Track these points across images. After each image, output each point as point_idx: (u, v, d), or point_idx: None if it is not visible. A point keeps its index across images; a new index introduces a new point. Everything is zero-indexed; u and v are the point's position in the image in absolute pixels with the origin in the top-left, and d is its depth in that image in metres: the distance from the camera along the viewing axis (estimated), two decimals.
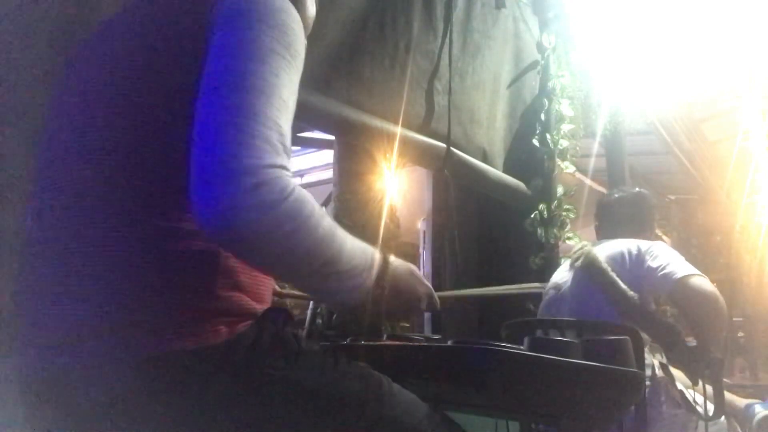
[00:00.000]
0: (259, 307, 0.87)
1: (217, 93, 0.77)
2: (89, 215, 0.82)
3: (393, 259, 0.93)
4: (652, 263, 1.98)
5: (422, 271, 3.31)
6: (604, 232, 2.35)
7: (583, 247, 2.25)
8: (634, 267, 2.02)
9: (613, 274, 2.01)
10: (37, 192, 0.91)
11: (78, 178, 0.85)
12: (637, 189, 2.47)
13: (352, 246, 0.84)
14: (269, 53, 0.80)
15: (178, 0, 0.90)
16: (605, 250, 2.13)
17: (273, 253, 0.76)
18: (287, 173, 0.76)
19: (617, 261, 2.06)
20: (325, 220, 0.80)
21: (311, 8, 1.09)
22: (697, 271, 1.92)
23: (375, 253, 0.89)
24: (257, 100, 0.76)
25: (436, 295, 1.05)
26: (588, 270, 2.09)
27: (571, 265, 2.23)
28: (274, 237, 0.75)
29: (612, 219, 2.35)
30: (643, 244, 2.07)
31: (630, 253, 2.06)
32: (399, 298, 0.94)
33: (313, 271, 0.80)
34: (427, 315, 3.33)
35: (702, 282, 1.90)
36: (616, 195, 2.42)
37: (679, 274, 1.91)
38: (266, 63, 0.79)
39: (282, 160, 0.76)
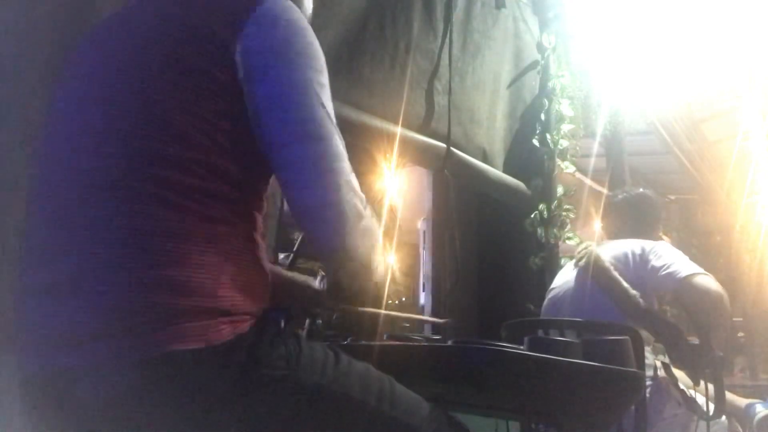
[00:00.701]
0: (260, 308, 0.87)
1: (298, 141, 0.88)
2: (90, 217, 0.82)
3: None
4: (656, 263, 1.99)
5: (422, 271, 3.30)
6: (610, 233, 2.36)
7: (586, 247, 2.26)
8: (639, 267, 2.02)
9: (616, 274, 2.01)
10: (38, 192, 0.91)
11: (78, 179, 0.85)
12: (641, 189, 2.47)
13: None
14: (321, 90, 0.91)
15: (203, 10, 0.91)
16: (609, 251, 2.13)
17: (365, 261, 0.94)
18: (363, 195, 0.92)
19: (621, 261, 2.06)
20: (375, 221, 0.96)
21: (308, 7, 1.11)
22: (701, 270, 1.93)
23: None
24: (331, 144, 0.89)
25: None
26: (591, 270, 2.10)
27: (575, 266, 2.23)
28: (367, 249, 0.93)
29: (617, 219, 2.35)
30: (647, 244, 2.07)
31: (634, 253, 2.06)
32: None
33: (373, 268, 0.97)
34: (427, 314, 3.33)
35: (707, 281, 1.90)
36: (621, 195, 2.42)
37: (683, 273, 1.92)
38: (323, 104, 0.90)
39: (358, 186, 0.91)
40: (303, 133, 0.88)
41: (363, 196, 0.92)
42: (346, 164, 0.90)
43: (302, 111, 0.88)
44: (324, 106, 0.90)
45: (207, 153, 0.83)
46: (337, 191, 0.88)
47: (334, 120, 0.92)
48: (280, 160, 0.88)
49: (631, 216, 2.31)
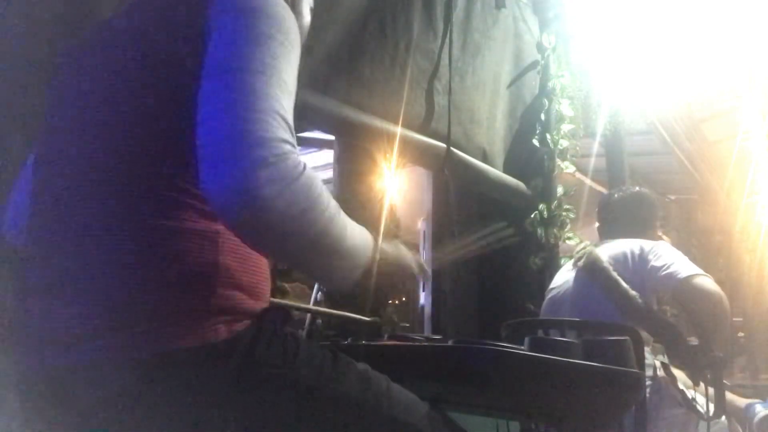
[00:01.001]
0: (258, 307, 0.87)
1: (217, 77, 0.77)
2: (88, 215, 0.82)
3: (384, 243, 0.95)
4: (656, 263, 1.99)
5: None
6: (606, 233, 2.35)
7: (585, 247, 2.26)
8: (638, 267, 2.02)
9: (615, 274, 2.01)
10: (36, 191, 0.91)
11: (76, 178, 0.85)
12: (638, 188, 2.47)
13: (352, 225, 0.85)
14: (266, 38, 0.80)
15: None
16: (608, 250, 2.13)
17: (287, 232, 0.76)
18: (296, 150, 0.75)
19: (620, 261, 2.06)
20: (331, 199, 0.80)
21: (306, 17, 1.09)
22: (700, 271, 1.93)
23: (368, 233, 0.91)
24: (257, 79, 0.76)
25: (423, 262, 1.08)
26: (590, 270, 2.10)
27: (574, 265, 2.23)
28: (290, 214, 0.74)
29: (613, 219, 2.35)
30: (647, 244, 2.07)
31: (633, 253, 2.06)
32: (392, 268, 0.97)
33: (323, 249, 0.80)
34: (427, 315, 3.33)
35: (706, 281, 1.90)
36: (617, 195, 2.42)
37: (683, 274, 1.91)
38: (263, 45, 0.79)
39: (289, 136, 0.75)
40: (224, 66, 0.78)
41: (295, 147, 0.76)
42: (269, 104, 0.75)
43: (232, 47, 0.79)
44: (266, 52, 0.79)
45: None
46: (243, 123, 0.72)
47: (288, 80, 0.80)
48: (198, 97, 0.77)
49: (627, 215, 2.31)
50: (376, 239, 0.92)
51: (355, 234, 0.85)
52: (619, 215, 2.34)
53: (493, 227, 1.28)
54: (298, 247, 0.80)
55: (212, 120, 0.74)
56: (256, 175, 0.70)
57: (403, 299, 4.03)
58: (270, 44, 0.80)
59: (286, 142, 0.74)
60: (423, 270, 1.07)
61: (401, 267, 1.02)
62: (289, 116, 0.77)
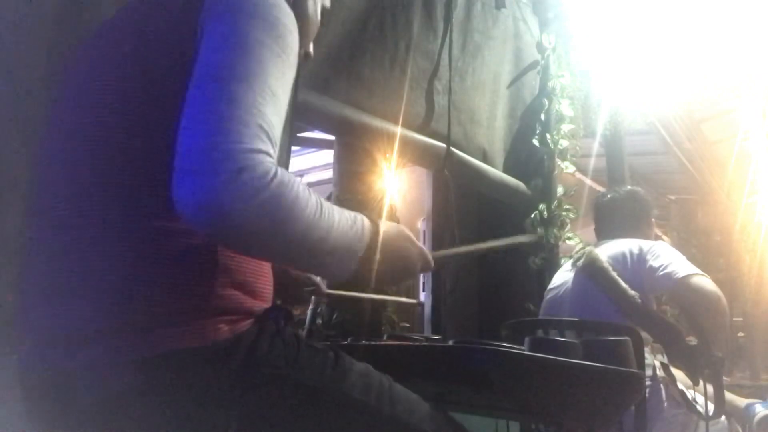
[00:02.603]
0: (259, 307, 0.87)
1: (199, 85, 0.77)
2: (87, 216, 0.82)
3: (384, 223, 0.91)
4: (654, 263, 1.98)
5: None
6: (601, 233, 2.36)
7: (584, 247, 2.26)
8: (636, 267, 2.02)
9: (614, 274, 2.01)
10: (36, 193, 0.91)
11: (74, 180, 0.85)
12: (629, 187, 2.47)
13: (340, 218, 0.83)
14: (255, 44, 0.79)
15: (169, 1, 0.90)
16: (606, 250, 2.13)
17: (262, 241, 0.75)
18: (269, 158, 0.74)
19: (619, 261, 2.06)
20: (311, 199, 0.78)
21: (314, 14, 1.07)
22: (698, 271, 1.93)
23: (365, 221, 0.88)
24: (237, 87, 0.75)
25: (429, 256, 1.03)
26: (589, 270, 2.09)
27: (573, 265, 2.23)
28: (261, 226, 0.73)
29: (607, 219, 2.36)
30: (645, 244, 2.07)
31: (632, 253, 2.06)
32: (393, 263, 0.93)
33: (307, 250, 0.80)
34: (427, 315, 3.33)
35: (704, 281, 1.90)
36: (609, 195, 2.43)
37: (680, 274, 1.91)
38: (250, 53, 0.78)
39: (263, 145, 0.74)
40: (206, 74, 0.77)
41: (277, 166, 0.75)
42: (246, 115, 0.73)
43: (218, 54, 0.78)
44: (251, 59, 0.78)
45: None
46: (213, 135, 0.71)
47: (275, 86, 0.79)
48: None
49: (620, 215, 2.32)
50: (377, 226, 0.88)
51: (346, 225, 0.83)
52: (612, 215, 2.34)
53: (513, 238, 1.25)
54: (275, 253, 0.80)
55: (186, 130, 0.74)
56: (223, 190, 0.70)
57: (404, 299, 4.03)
58: (258, 50, 0.79)
59: (259, 151, 0.73)
60: (427, 264, 1.02)
61: (404, 259, 0.96)
62: (270, 123, 0.76)
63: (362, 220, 0.87)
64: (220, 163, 0.70)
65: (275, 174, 0.73)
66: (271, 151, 0.75)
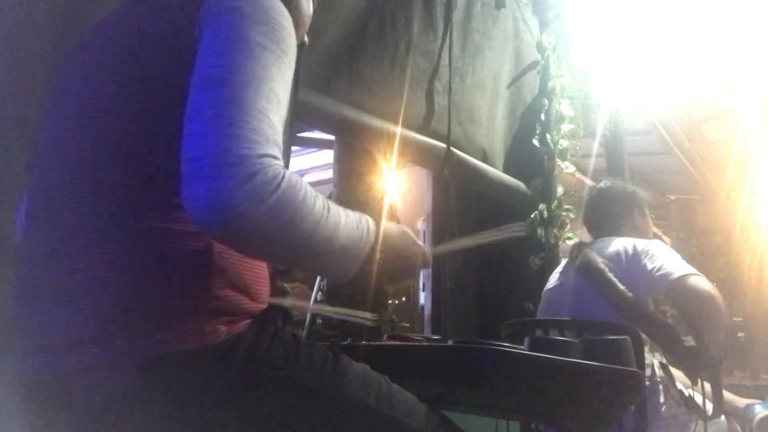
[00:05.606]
0: (257, 307, 0.87)
1: (205, 88, 0.77)
2: (85, 217, 0.82)
3: (385, 223, 0.93)
4: (649, 263, 1.97)
5: (422, 272, 3.30)
6: (591, 230, 2.37)
7: (579, 246, 2.25)
8: (630, 266, 2.01)
9: (611, 275, 2.00)
10: (33, 193, 0.91)
11: (72, 180, 0.84)
12: (607, 182, 2.43)
13: (346, 219, 0.85)
14: (258, 48, 0.80)
15: (168, 1, 0.90)
16: (601, 249, 2.12)
17: (272, 242, 0.77)
18: (277, 161, 0.76)
19: (613, 260, 2.05)
20: (318, 199, 0.80)
21: (307, 7, 1.09)
22: (694, 271, 1.92)
23: (369, 221, 0.90)
24: (245, 92, 0.76)
25: (428, 253, 1.05)
26: (585, 271, 2.09)
27: (569, 264, 2.23)
28: (272, 227, 0.75)
29: (592, 218, 2.37)
30: (640, 244, 2.06)
31: (626, 252, 2.05)
32: (395, 262, 0.95)
33: (313, 252, 0.81)
34: (427, 314, 3.33)
35: (699, 281, 1.89)
36: (591, 193, 2.43)
37: (675, 274, 1.90)
38: (254, 57, 0.79)
39: (272, 150, 0.76)
40: (212, 77, 0.78)
41: (285, 169, 0.76)
42: (255, 120, 0.75)
43: (222, 57, 0.79)
44: (256, 63, 0.79)
45: None
46: (224, 140, 0.73)
47: (279, 90, 0.80)
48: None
49: (603, 211, 2.32)
50: (379, 227, 0.90)
51: (351, 226, 0.85)
52: (595, 212, 2.35)
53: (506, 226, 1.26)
54: (284, 254, 0.82)
55: (195, 134, 0.75)
56: (238, 193, 0.72)
57: (403, 299, 4.03)
58: (262, 54, 0.80)
59: (267, 156, 0.75)
60: (426, 261, 1.04)
61: (406, 258, 0.99)
62: (276, 128, 0.78)
63: (367, 221, 0.89)
64: (234, 167, 0.72)
65: (284, 176, 0.75)
66: (278, 154, 0.77)
